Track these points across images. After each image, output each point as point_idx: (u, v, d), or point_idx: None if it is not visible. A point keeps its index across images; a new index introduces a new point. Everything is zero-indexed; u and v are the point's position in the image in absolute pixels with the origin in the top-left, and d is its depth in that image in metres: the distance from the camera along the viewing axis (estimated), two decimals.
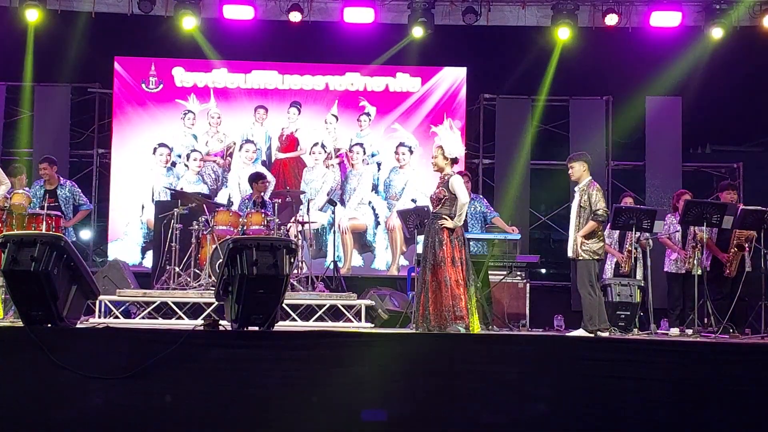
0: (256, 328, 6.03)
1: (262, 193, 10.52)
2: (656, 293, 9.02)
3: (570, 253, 7.97)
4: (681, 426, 5.82)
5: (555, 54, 11.85)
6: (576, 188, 8.07)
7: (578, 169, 8.03)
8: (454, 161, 7.54)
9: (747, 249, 8.73)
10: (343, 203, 12.08)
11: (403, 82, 12.32)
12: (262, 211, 9.72)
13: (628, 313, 8.85)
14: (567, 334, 7.90)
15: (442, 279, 7.22)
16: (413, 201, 11.63)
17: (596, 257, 7.91)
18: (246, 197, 10.70)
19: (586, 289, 7.77)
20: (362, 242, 12.19)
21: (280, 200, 10.03)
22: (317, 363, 5.81)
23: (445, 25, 11.80)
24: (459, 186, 7.39)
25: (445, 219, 7.33)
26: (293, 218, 10.42)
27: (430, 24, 11.54)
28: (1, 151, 11.92)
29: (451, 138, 7.55)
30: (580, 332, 7.70)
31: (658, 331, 8.93)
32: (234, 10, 11.62)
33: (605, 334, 7.66)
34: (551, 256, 14.44)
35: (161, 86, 12.18)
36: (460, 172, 7.82)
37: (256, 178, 10.51)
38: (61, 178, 9.85)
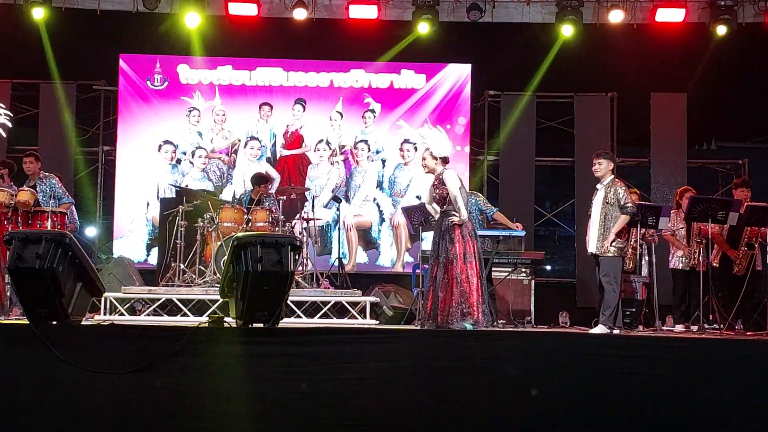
0: (261, 325, 6.04)
1: (263, 195, 10.16)
2: (661, 290, 9.00)
3: (593, 249, 7.96)
4: (687, 422, 5.82)
5: (555, 49, 11.83)
6: (599, 185, 8.08)
7: (605, 167, 8.06)
8: (445, 160, 7.42)
9: (758, 248, 8.69)
10: (347, 200, 12.09)
11: (408, 78, 12.32)
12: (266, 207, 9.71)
13: (633, 309, 8.84)
14: (589, 331, 7.85)
15: (453, 276, 7.18)
16: (418, 198, 11.61)
17: (623, 254, 7.99)
18: (243, 194, 10.63)
19: (612, 285, 7.80)
20: (367, 239, 12.20)
21: (284, 197, 10.02)
22: (322, 360, 5.82)
23: (450, 21, 11.79)
24: (449, 180, 7.30)
25: (454, 215, 7.31)
26: (298, 215, 10.41)
27: (434, 21, 11.53)
28: (6, 148, 11.93)
29: (437, 137, 7.49)
30: (600, 329, 7.68)
31: (663, 327, 8.92)
32: (239, 7, 11.62)
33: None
34: (556, 252, 14.45)
35: (166, 83, 12.20)
36: None
37: (259, 181, 10.23)
38: (43, 173, 9.34)
